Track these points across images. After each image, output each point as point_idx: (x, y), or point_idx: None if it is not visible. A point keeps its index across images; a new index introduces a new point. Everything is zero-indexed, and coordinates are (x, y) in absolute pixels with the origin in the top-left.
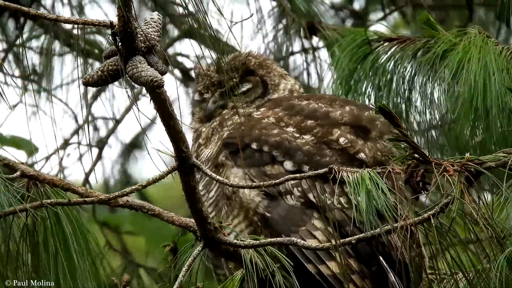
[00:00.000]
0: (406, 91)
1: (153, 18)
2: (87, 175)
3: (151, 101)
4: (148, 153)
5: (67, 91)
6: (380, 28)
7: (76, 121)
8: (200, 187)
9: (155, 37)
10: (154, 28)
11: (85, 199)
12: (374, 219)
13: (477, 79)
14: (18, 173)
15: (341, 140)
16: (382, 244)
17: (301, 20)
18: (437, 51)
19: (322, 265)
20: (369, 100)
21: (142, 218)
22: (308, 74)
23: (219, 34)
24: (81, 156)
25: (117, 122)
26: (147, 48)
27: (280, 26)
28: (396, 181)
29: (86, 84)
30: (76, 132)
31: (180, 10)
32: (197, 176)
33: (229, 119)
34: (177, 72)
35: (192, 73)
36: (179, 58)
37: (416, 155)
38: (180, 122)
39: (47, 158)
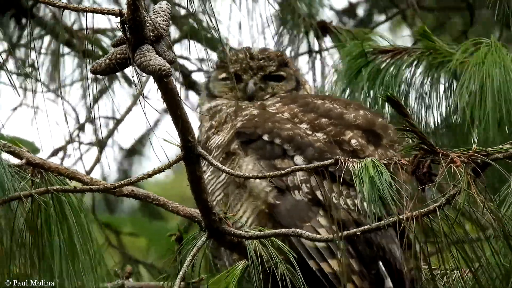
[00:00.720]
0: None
1: (161, 7)
2: (88, 174)
3: (159, 90)
4: (152, 147)
5: (69, 90)
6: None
7: (78, 121)
8: (209, 172)
9: (164, 26)
10: (163, 17)
11: (91, 186)
12: (377, 207)
13: (501, 87)
14: (23, 160)
15: (353, 141)
16: (382, 249)
17: (312, 20)
18: (451, 66)
19: (323, 263)
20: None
21: (142, 220)
22: (314, 74)
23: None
24: (81, 155)
25: (118, 121)
26: (155, 37)
27: (287, 27)
28: (402, 170)
29: (94, 72)
30: (78, 131)
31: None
32: (203, 165)
33: (244, 109)
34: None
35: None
36: (180, 61)
37: (423, 145)
38: (186, 112)
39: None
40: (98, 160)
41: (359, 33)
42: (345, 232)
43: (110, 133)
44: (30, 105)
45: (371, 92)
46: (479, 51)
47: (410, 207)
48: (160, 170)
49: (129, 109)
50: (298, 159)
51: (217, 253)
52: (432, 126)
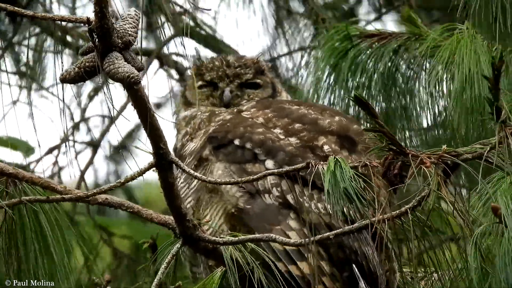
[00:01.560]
0: (387, 87)
1: (130, 14)
2: (82, 173)
3: (129, 97)
4: (130, 153)
5: (63, 89)
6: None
7: (72, 119)
8: (182, 180)
9: (132, 33)
10: (131, 24)
11: (64, 196)
12: (340, 202)
13: (471, 70)
14: None
15: (325, 147)
16: (355, 252)
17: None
18: (423, 49)
19: (291, 265)
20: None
21: (138, 223)
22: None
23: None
24: (76, 154)
25: (111, 120)
26: (124, 44)
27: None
28: (374, 171)
29: (63, 80)
30: (72, 130)
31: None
32: (176, 172)
33: (217, 115)
34: (173, 72)
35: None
36: (175, 58)
37: (392, 146)
38: (157, 119)
39: (41, 158)
40: (91, 160)
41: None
42: (318, 236)
43: (104, 132)
44: (24, 102)
45: (356, 76)
46: (452, 37)
47: (382, 208)
48: (132, 178)
49: (122, 108)
50: (269, 163)
51: (195, 261)
52: (415, 112)
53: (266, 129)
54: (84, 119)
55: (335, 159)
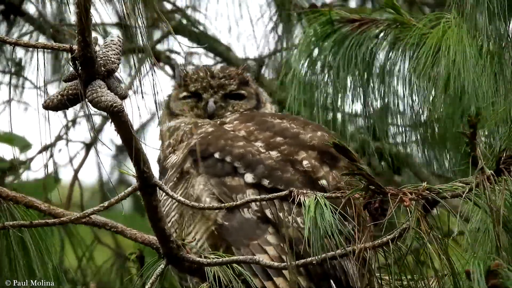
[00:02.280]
0: (365, 74)
1: (113, 41)
2: (76, 172)
3: (112, 123)
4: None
5: (58, 86)
6: None
7: (65, 116)
8: (164, 197)
9: (115, 60)
10: (114, 50)
11: (47, 221)
12: (319, 244)
13: (456, 61)
14: None
15: (304, 163)
16: (333, 267)
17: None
18: (409, 38)
19: (268, 281)
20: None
21: (135, 217)
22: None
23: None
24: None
25: (106, 118)
26: (107, 71)
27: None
28: (356, 207)
29: (47, 108)
30: (67, 127)
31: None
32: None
33: (200, 127)
34: (168, 68)
35: (173, 71)
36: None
37: (371, 186)
38: (141, 144)
39: (39, 152)
40: (85, 159)
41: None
42: (301, 261)
43: (99, 130)
44: (20, 101)
45: (336, 60)
46: (438, 26)
47: (363, 238)
48: (117, 201)
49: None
50: (249, 177)
51: (183, 275)
52: (396, 101)
53: (247, 142)
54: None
55: (316, 200)
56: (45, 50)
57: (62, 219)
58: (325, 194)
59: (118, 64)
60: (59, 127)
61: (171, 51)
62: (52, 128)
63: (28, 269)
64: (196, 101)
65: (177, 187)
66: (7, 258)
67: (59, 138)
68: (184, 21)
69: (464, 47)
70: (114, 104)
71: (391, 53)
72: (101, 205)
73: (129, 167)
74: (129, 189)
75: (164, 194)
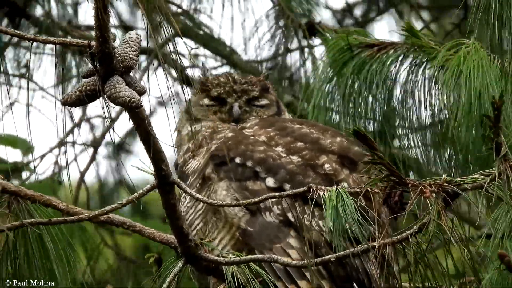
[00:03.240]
0: (386, 98)
1: (131, 38)
2: (82, 174)
3: (130, 120)
4: (127, 173)
5: (64, 89)
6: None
7: (72, 119)
8: (187, 199)
9: (133, 56)
10: (132, 47)
11: (66, 218)
12: (341, 237)
13: (475, 86)
14: None
15: (326, 166)
16: (355, 269)
17: (300, 20)
18: (436, 64)
19: (291, 285)
20: (353, 105)
21: (140, 220)
22: (305, 72)
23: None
24: (76, 155)
25: (112, 121)
26: (125, 68)
27: (277, 26)
28: (375, 200)
29: (65, 104)
30: (71, 130)
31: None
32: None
33: (219, 132)
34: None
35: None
36: (175, 57)
37: (392, 177)
38: (159, 141)
39: (42, 156)
40: (93, 159)
41: (346, 32)
42: (320, 258)
43: (104, 132)
44: (24, 103)
45: (355, 86)
46: (459, 52)
47: (383, 234)
48: (135, 199)
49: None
50: (270, 181)
51: (203, 280)
52: (415, 123)
53: (267, 147)
54: (84, 120)
55: (337, 191)
56: (63, 46)
57: (80, 216)
58: (346, 188)
59: (136, 61)
60: (61, 129)
61: (178, 53)
62: (56, 130)
63: (45, 269)
64: (220, 106)
65: (200, 193)
66: (25, 257)
67: (60, 143)
68: (190, 24)
69: (484, 71)
70: (133, 100)
71: (411, 76)
72: (119, 202)
73: (128, 170)
74: (147, 186)
75: (186, 202)
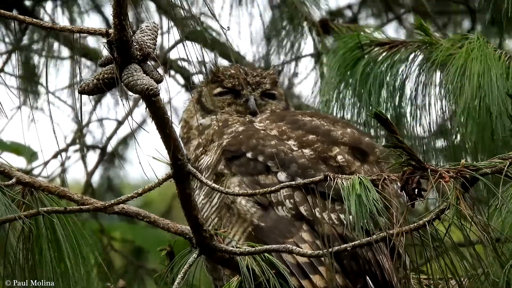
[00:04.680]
0: (397, 96)
1: (148, 26)
2: (89, 176)
3: (147, 108)
4: (139, 162)
5: (68, 93)
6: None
7: (77, 123)
8: (202, 196)
9: (151, 45)
10: (150, 36)
11: (81, 207)
12: (365, 224)
13: (480, 83)
14: (13, 180)
15: (339, 157)
16: (368, 262)
17: (312, 17)
18: (438, 58)
19: (304, 280)
20: (360, 104)
21: (134, 226)
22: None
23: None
24: (82, 158)
25: (119, 123)
26: (142, 56)
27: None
28: (391, 187)
29: (82, 92)
30: (76, 134)
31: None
32: (195, 184)
33: (230, 126)
34: (179, 77)
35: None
36: (180, 63)
37: (412, 161)
38: (175, 130)
39: (46, 163)
40: (99, 162)
41: (359, 29)
42: (335, 248)
43: (111, 136)
44: (29, 107)
45: (367, 85)
46: (463, 48)
47: (401, 222)
48: (150, 188)
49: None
50: (281, 175)
51: (216, 274)
52: (426, 124)
53: (279, 141)
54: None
55: (359, 179)
56: (80, 33)
57: (96, 205)
58: (362, 176)
59: (154, 49)
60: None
61: (183, 59)
62: (59, 135)
63: (59, 257)
64: (233, 97)
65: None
66: (37, 249)
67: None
68: (198, 28)
69: (488, 68)
70: (150, 87)
71: (421, 76)
72: (135, 192)
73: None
74: (163, 176)
75: (201, 199)
